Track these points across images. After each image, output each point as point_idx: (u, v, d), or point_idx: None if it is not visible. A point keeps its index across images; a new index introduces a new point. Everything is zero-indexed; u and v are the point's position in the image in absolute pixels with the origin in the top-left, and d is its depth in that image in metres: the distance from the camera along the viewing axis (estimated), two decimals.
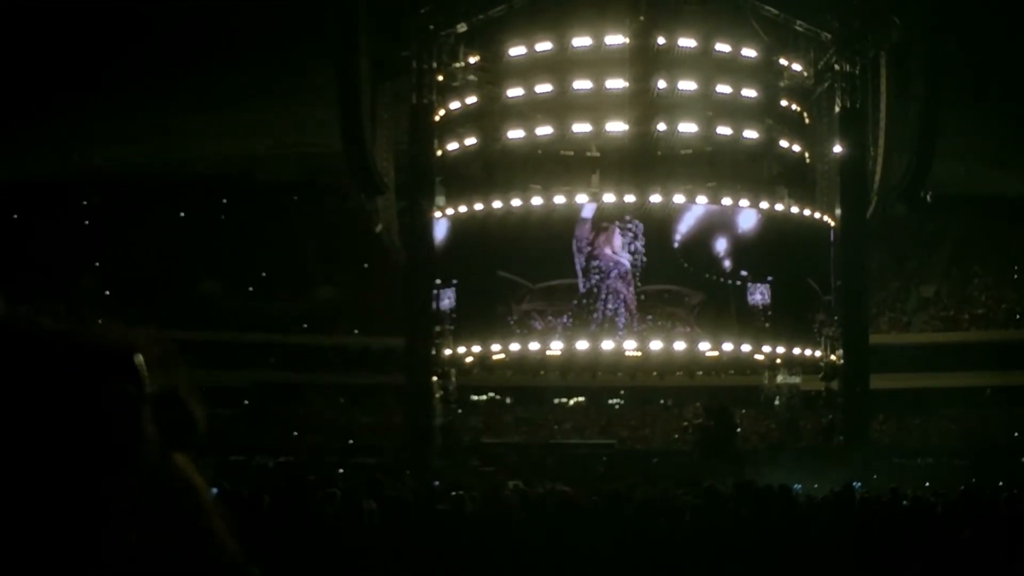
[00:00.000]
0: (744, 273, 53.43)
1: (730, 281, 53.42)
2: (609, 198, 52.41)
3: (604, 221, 52.29)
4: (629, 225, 52.27)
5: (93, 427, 1.28)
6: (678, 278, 52.90)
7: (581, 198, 52.80)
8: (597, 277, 52.03)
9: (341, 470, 45.50)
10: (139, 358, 1.36)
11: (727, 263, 53.37)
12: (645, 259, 52.27)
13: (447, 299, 53.97)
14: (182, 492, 1.36)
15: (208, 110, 77.97)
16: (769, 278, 53.52)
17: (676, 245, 52.75)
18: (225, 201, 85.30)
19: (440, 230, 54.45)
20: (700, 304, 52.92)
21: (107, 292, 72.30)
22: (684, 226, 52.83)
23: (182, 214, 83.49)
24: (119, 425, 1.31)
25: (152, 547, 1.27)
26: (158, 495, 1.30)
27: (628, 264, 52.22)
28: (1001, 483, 31.11)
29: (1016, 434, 67.83)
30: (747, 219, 53.81)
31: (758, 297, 53.65)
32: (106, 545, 1.24)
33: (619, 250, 52.25)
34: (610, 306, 52.07)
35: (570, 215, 52.60)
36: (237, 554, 1.38)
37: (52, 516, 1.23)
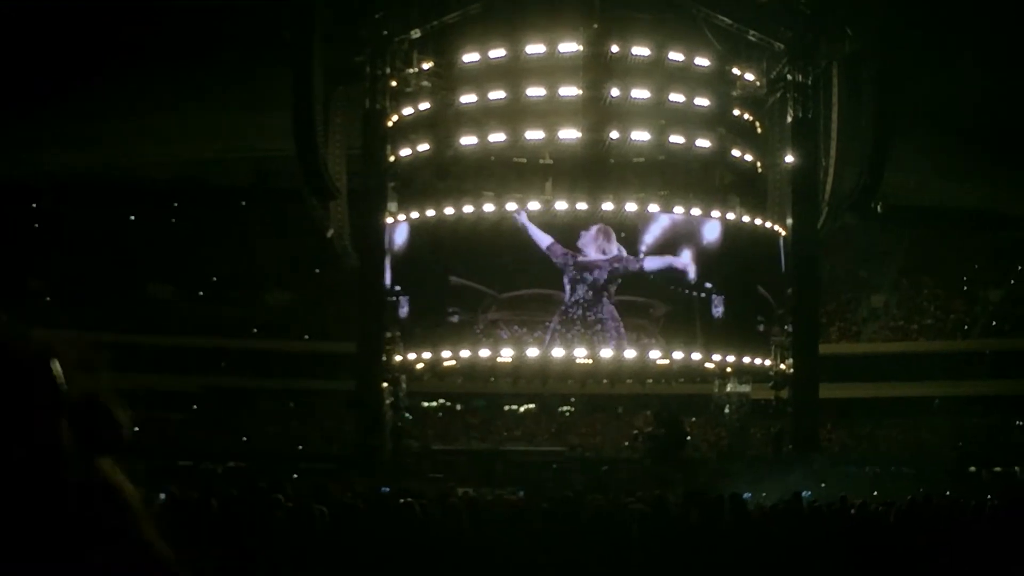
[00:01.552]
0: (709, 285, 53.50)
1: (695, 293, 53.45)
2: (562, 205, 52.33)
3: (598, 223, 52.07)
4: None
5: (5, 433, 1.24)
6: (643, 289, 52.85)
7: (534, 205, 52.69)
8: (584, 287, 51.86)
9: (294, 475, 45.32)
10: (55, 364, 1.31)
11: (691, 274, 53.39)
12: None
13: (405, 307, 53.87)
14: (106, 496, 1.31)
15: (160, 114, 77.64)
16: (709, 285, 53.55)
17: (642, 256, 52.69)
18: (176, 205, 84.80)
19: (392, 236, 54.29)
20: (665, 315, 52.91)
21: (55, 295, 71.71)
22: (650, 236, 52.78)
23: (132, 217, 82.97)
24: (34, 431, 1.26)
25: (76, 551, 1.23)
26: (80, 500, 1.26)
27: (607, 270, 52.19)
28: (949, 492, 31.25)
29: (963, 443, 68.21)
30: (711, 230, 53.85)
31: (722, 309, 53.75)
32: (26, 547, 1.19)
33: (610, 251, 52.08)
34: (601, 315, 52.03)
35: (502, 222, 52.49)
36: (167, 557, 1.34)
37: None
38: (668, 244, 53.10)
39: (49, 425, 1.27)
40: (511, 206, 52.55)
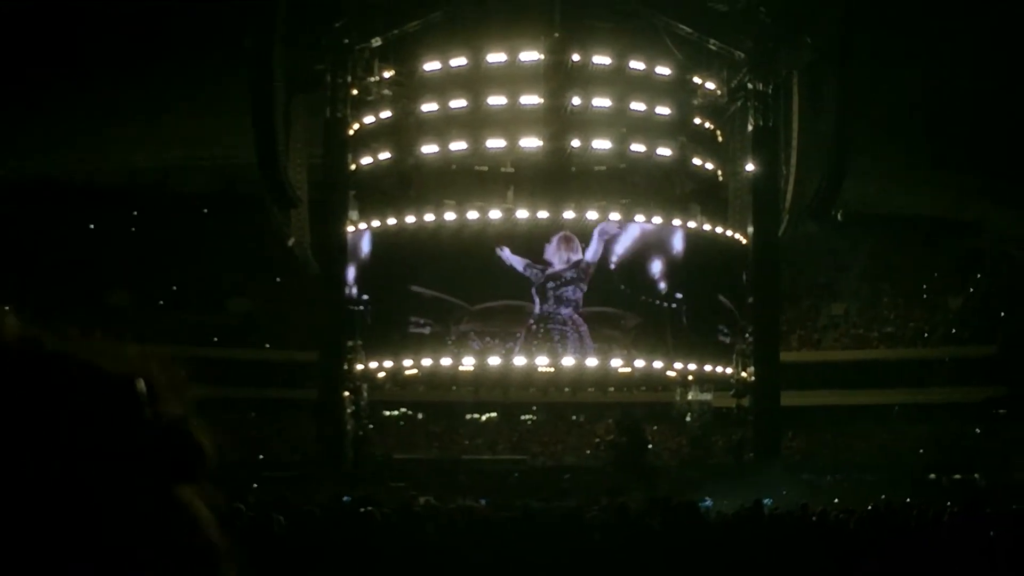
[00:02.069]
0: (679, 296, 53.56)
1: (665, 303, 53.48)
2: (523, 213, 52.33)
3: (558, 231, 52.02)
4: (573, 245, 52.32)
5: (87, 459, 1.21)
6: (614, 300, 52.85)
7: (495, 213, 52.64)
8: (552, 298, 51.82)
9: (254, 485, 45.09)
10: (140, 384, 1.28)
11: (662, 285, 53.45)
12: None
13: (370, 316, 53.79)
14: (185, 527, 1.28)
15: (120, 120, 77.28)
16: (679, 295, 53.65)
17: (612, 266, 52.70)
18: (136, 212, 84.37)
19: (353, 244, 54.18)
20: (637, 327, 52.92)
21: (8, 301, 71.15)
22: (620, 247, 52.80)
23: (92, 225, 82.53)
24: (115, 457, 1.23)
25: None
26: (159, 529, 1.22)
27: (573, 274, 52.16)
28: (909, 499, 31.35)
29: (923, 451, 68.52)
30: (679, 239, 53.95)
31: (684, 318, 53.82)
32: None
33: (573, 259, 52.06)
34: (567, 326, 52.04)
35: (484, 231, 52.41)
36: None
37: (38, 550, 1.15)
38: (644, 255, 53.22)
39: (126, 449, 1.24)
40: (472, 215, 52.52)
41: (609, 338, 52.70)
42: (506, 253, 51.77)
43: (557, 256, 51.79)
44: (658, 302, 53.31)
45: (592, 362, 52.45)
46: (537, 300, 51.75)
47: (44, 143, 78.61)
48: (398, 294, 52.75)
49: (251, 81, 50.69)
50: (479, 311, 52.19)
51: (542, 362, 52.29)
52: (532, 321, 51.78)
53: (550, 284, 51.71)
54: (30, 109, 74.81)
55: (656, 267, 53.38)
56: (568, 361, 52.18)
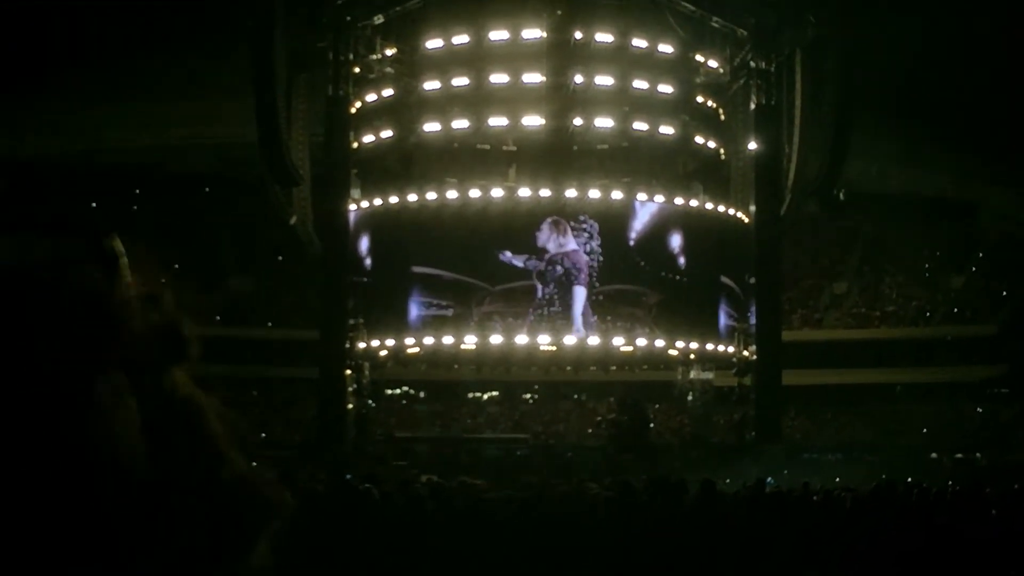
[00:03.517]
0: (692, 271, 53.52)
1: (685, 279, 53.39)
2: (525, 192, 52.23)
3: (550, 216, 51.89)
4: (584, 225, 51.92)
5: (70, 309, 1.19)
6: (634, 278, 52.71)
7: (497, 192, 52.54)
8: (552, 283, 51.72)
9: (254, 464, 45.08)
10: (116, 241, 1.29)
11: (681, 261, 53.38)
12: (601, 259, 52.03)
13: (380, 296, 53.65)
14: (185, 406, 1.27)
15: (121, 100, 77.21)
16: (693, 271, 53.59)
17: (631, 244, 52.60)
18: (137, 192, 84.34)
19: (355, 223, 54.11)
20: (657, 304, 52.82)
21: None
22: (639, 224, 52.70)
23: (93, 204, 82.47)
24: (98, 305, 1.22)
25: (162, 459, 1.18)
26: (162, 409, 1.21)
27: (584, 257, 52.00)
28: (910, 479, 31.36)
29: (924, 429, 68.59)
30: (682, 218, 53.89)
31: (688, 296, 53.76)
32: (105, 441, 1.14)
33: (568, 243, 51.90)
34: (571, 309, 51.97)
35: (485, 209, 52.27)
36: (244, 464, 1.32)
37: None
38: (663, 233, 53.21)
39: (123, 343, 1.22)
40: (475, 192, 52.40)
41: (631, 316, 52.61)
42: (507, 256, 51.63)
43: (552, 241, 51.65)
44: (677, 278, 53.18)
45: (594, 341, 52.37)
46: (539, 286, 51.63)
47: (43, 123, 78.51)
48: (398, 272, 52.64)
49: (252, 59, 50.57)
50: (500, 292, 51.97)
51: (544, 341, 52.22)
52: (537, 305, 51.64)
53: (549, 269, 51.60)
54: (28, 89, 74.71)
55: (675, 243, 53.26)
56: (570, 340, 52.12)
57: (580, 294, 51.89)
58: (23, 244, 1.24)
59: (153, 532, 1.17)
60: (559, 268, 51.66)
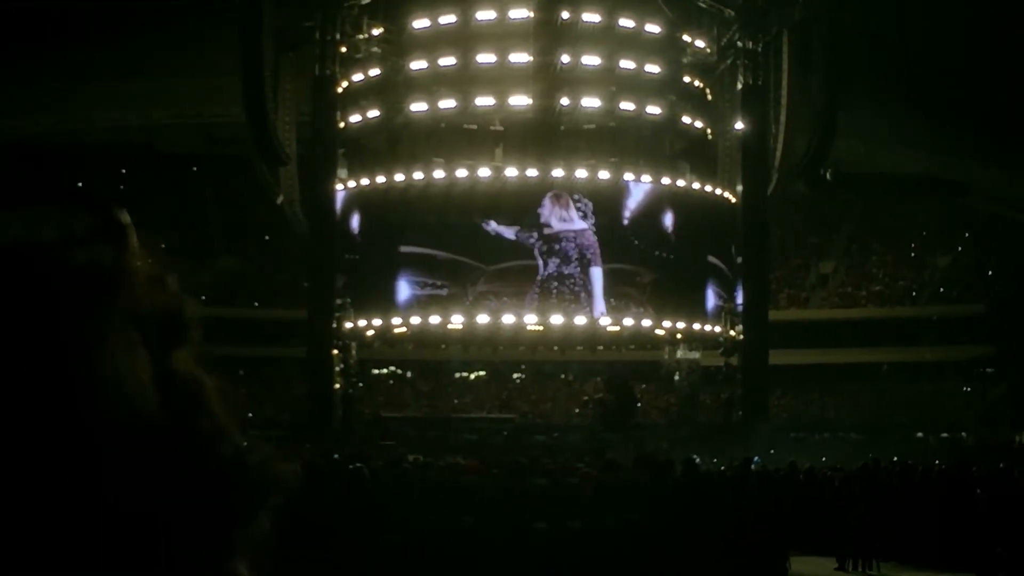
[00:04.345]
0: (680, 250, 53.53)
1: (673, 259, 53.35)
2: (512, 172, 52.18)
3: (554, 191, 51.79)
4: (579, 204, 51.86)
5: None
6: (625, 257, 52.68)
7: (484, 171, 52.49)
8: (555, 259, 51.63)
9: (244, 443, 45.04)
10: (124, 214, 1.31)
11: (669, 241, 53.39)
12: (596, 238, 52.02)
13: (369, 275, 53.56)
14: (186, 386, 1.30)
15: (108, 79, 76.95)
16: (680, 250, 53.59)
17: (626, 223, 52.60)
18: (124, 171, 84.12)
19: (343, 203, 54.04)
20: (652, 283, 52.82)
21: None
22: (633, 203, 52.68)
23: (80, 183, 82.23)
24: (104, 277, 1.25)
25: (161, 440, 1.21)
26: (163, 389, 1.24)
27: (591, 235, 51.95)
28: (896, 458, 31.50)
29: (911, 409, 68.76)
30: (670, 198, 53.91)
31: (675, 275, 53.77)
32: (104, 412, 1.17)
33: (574, 220, 51.80)
34: (576, 286, 51.91)
35: (472, 188, 52.21)
36: (244, 440, 1.34)
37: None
38: (657, 212, 53.23)
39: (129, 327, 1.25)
40: (461, 172, 52.35)
41: (626, 295, 52.63)
42: (492, 225, 51.58)
43: (554, 216, 51.57)
44: (670, 256, 53.19)
45: (581, 320, 52.39)
46: (541, 262, 51.58)
47: (29, 102, 78.26)
48: (386, 251, 52.58)
49: (240, 38, 50.50)
50: (496, 272, 51.88)
51: (531, 320, 52.23)
52: (539, 283, 51.54)
53: (548, 245, 51.52)
54: (14, 67, 74.46)
55: (668, 222, 53.27)
56: (557, 319, 52.12)
57: (597, 275, 51.87)
58: (31, 219, 1.26)
59: (161, 479, 1.20)
60: (571, 247, 51.56)
